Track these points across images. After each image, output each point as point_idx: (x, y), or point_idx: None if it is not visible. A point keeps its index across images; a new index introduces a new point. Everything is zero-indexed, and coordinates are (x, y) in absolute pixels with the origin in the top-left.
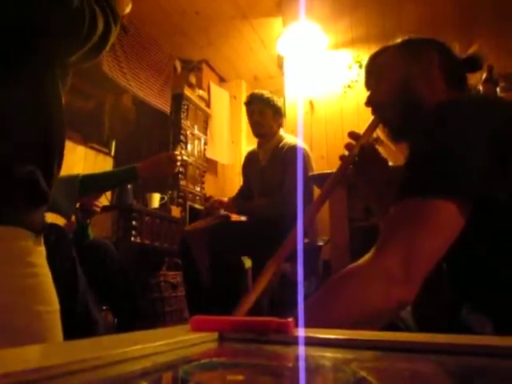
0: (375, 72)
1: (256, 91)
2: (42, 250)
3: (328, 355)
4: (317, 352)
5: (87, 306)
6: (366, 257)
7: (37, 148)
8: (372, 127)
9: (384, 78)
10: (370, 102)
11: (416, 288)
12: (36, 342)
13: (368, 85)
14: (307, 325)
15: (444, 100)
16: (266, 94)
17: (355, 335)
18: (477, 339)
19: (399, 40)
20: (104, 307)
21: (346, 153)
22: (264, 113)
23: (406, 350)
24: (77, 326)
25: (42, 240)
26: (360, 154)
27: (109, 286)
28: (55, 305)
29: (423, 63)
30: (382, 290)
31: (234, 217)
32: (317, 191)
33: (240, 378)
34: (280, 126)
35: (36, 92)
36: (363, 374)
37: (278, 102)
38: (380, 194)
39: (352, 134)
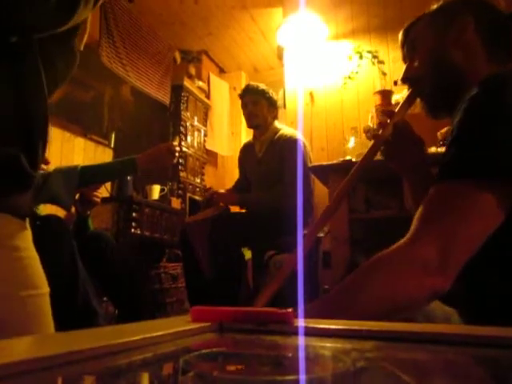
0: (409, 44)
1: (251, 83)
2: (28, 233)
3: (328, 345)
4: (316, 342)
5: (87, 297)
6: (399, 243)
7: (19, 134)
8: (407, 103)
9: (418, 51)
10: (405, 77)
11: (452, 277)
12: (19, 329)
13: (403, 59)
14: (331, 316)
15: (488, 73)
16: (262, 85)
17: (355, 325)
18: (476, 329)
19: (434, 6)
20: (104, 298)
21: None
22: (258, 104)
23: (406, 340)
24: (77, 317)
25: (28, 223)
26: (393, 133)
27: (109, 278)
28: (43, 288)
29: (456, 30)
30: (414, 278)
31: (234, 208)
32: (317, 183)
33: (240, 367)
34: (275, 118)
35: (13, 75)
36: (363, 363)
37: (274, 94)
38: (414, 177)
39: (386, 112)
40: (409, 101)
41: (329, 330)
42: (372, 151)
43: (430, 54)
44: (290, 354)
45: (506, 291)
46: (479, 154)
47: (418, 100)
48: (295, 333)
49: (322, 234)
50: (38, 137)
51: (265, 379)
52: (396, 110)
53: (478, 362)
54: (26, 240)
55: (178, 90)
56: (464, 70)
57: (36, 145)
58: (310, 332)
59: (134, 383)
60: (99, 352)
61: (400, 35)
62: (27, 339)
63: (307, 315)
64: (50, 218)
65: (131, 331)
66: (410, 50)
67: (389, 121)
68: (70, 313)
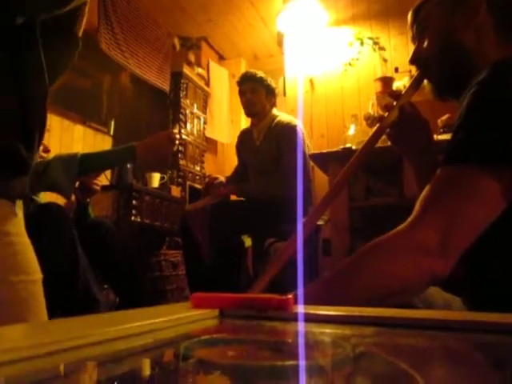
0: (418, 25)
1: (249, 70)
2: (20, 218)
3: (327, 331)
4: (316, 328)
5: (88, 284)
6: (400, 227)
7: (15, 121)
8: (415, 85)
9: (427, 31)
10: (413, 59)
11: (452, 262)
12: (11, 314)
13: (412, 40)
14: (328, 299)
15: (499, 57)
16: (260, 73)
17: (354, 311)
18: (476, 316)
19: None
20: (105, 286)
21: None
22: (257, 91)
23: (406, 326)
24: (78, 304)
25: (21, 208)
26: (400, 115)
27: (110, 265)
28: (35, 274)
29: (467, 10)
30: (414, 261)
31: (234, 196)
32: (317, 170)
33: (240, 353)
34: (273, 105)
35: (14, 62)
36: (362, 349)
37: (272, 82)
38: (419, 162)
39: (392, 93)
40: (416, 82)
41: (328, 316)
42: (377, 134)
43: (440, 34)
44: (290, 340)
45: (508, 277)
46: (486, 139)
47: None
48: (295, 319)
49: (321, 222)
50: (35, 124)
51: (265, 364)
52: (403, 91)
53: (478, 347)
54: (17, 225)
55: (177, 78)
56: (474, 52)
57: (33, 132)
58: (309, 318)
59: (134, 369)
60: (100, 338)
61: (409, 15)
62: (27, 325)
63: (304, 298)
64: (51, 205)
65: (132, 317)
66: (419, 31)
67: (395, 103)
68: (71, 300)
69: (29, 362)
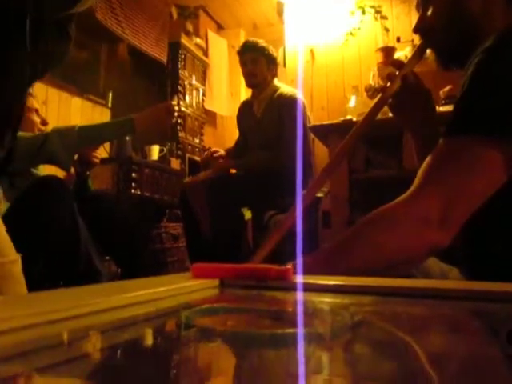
0: None
1: (250, 39)
2: None
3: (326, 300)
4: (315, 297)
5: (90, 256)
6: (400, 198)
7: None
8: (418, 54)
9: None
10: (418, 27)
11: (453, 233)
12: None
13: (417, 7)
14: (328, 270)
15: (506, 25)
16: (261, 42)
17: (353, 281)
18: (472, 285)
19: None
20: (107, 258)
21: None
22: (258, 62)
23: (404, 295)
24: (80, 276)
25: None
26: (402, 85)
27: (111, 237)
28: (10, 256)
29: None
30: (415, 232)
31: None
32: (317, 143)
33: (241, 321)
34: (274, 75)
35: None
36: (361, 317)
37: (273, 51)
38: (421, 133)
39: (395, 62)
40: (419, 52)
41: (327, 285)
42: (379, 105)
43: (446, 1)
44: (290, 309)
45: (506, 249)
46: (488, 110)
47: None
48: (294, 288)
49: (321, 194)
50: (11, 116)
51: (265, 332)
52: (406, 61)
53: (474, 315)
54: None
55: (175, 48)
56: (481, 19)
57: (6, 129)
58: (308, 288)
59: (137, 337)
60: (101, 307)
61: None
62: (29, 295)
63: (303, 270)
64: (50, 178)
65: (133, 287)
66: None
67: (397, 73)
68: (73, 272)
69: (30, 331)
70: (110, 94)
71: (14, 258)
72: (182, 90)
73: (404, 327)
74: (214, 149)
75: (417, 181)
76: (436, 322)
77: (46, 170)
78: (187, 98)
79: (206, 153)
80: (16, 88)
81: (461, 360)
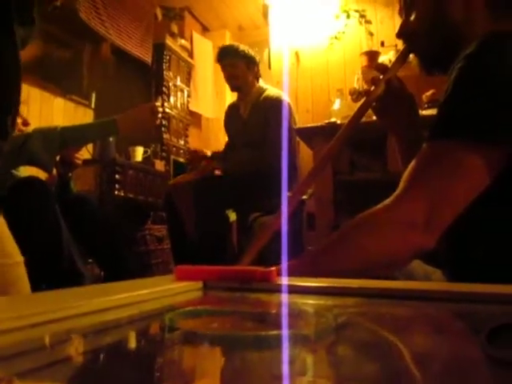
0: None
1: (225, 45)
2: None
3: (310, 302)
4: (299, 299)
5: (72, 259)
6: (385, 202)
7: None
8: (401, 58)
9: (415, 4)
10: (401, 32)
11: (437, 236)
12: None
13: (400, 12)
14: (313, 274)
15: (488, 31)
16: (236, 45)
17: (337, 283)
18: (455, 286)
19: None
20: (90, 260)
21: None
22: (236, 65)
23: (388, 296)
24: (62, 279)
25: None
26: (386, 89)
27: (94, 240)
28: (16, 257)
29: None
30: (400, 236)
31: (219, 171)
32: (302, 145)
33: (224, 324)
34: (257, 76)
35: None
36: (344, 318)
37: (250, 51)
38: (405, 137)
39: (379, 67)
40: (402, 56)
41: (311, 287)
42: (363, 108)
43: (428, 7)
44: (274, 311)
45: (487, 253)
46: (471, 115)
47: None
48: (278, 290)
49: (306, 196)
50: (9, 105)
51: (249, 334)
52: (390, 65)
53: (456, 316)
54: None
55: (159, 49)
56: (463, 26)
57: (6, 112)
58: (292, 289)
59: (120, 340)
60: (84, 310)
61: None
62: (13, 298)
63: (289, 273)
64: (32, 179)
65: (116, 289)
66: (406, 3)
67: (381, 77)
68: (56, 275)
69: (13, 334)
70: (94, 95)
71: (20, 260)
72: (166, 92)
73: (388, 328)
74: (198, 149)
75: (401, 185)
76: (419, 323)
77: (26, 171)
78: (172, 99)
79: (191, 153)
80: (12, 73)
81: (443, 360)
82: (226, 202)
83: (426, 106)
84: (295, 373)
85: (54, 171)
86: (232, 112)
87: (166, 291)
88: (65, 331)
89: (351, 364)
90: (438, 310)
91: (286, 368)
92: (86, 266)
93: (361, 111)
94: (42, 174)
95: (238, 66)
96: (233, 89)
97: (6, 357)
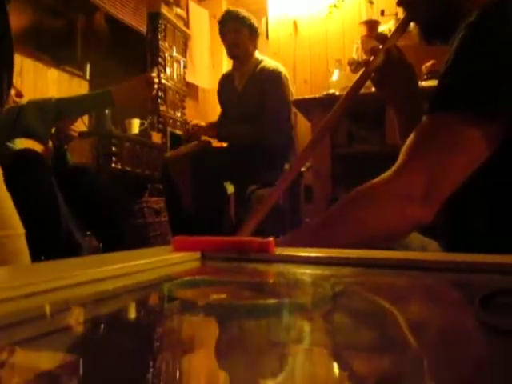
0: None
1: (231, 9)
2: None
3: (308, 272)
4: (297, 269)
5: (70, 231)
6: (384, 175)
7: None
8: (401, 28)
9: None
10: (401, 0)
11: (435, 209)
12: None
13: None
14: (311, 246)
15: (489, 1)
16: (242, 12)
17: (334, 253)
18: (452, 256)
19: None
20: (88, 233)
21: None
22: (240, 32)
23: (385, 266)
24: (60, 251)
25: None
26: (385, 59)
27: (92, 212)
28: (18, 228)
29: None
30: (398, 209)
31: (216, 143)
32: (300, 116)
33: (222, 293)
34: (256, 47)
35: None
36: (342, 287)
37: (255, 21)
38: (404, 109)
39: (378, 36)
40: (403, 25)
41: (309, 257)
42: (362, 79)
43: None
44: (271, 281)
45: (486, 225)
46: (472, 87)
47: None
48: (276, 261)
49: (303, 169)
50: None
51: (246, 303)
52: (389, 35)
53: (452, 285)
54: None
55: (154, 18)
56: None
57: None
58: (290, 260)
59: (117, 310)
60: (82, 279)
61: None
62: (10, 268)
63: (288, 245)
64: (27, 151)
65: (113, 260)
66: None
67: (381, 47)
68: (54, 247)
69: (10, 303)
70: (88, 66)
71: (22, 232)
72: (162, 62)
73: (384, 297)
74: (195, 121)
75: (400, 158)
76: (416, 292)
77: (22, 143)
78: (168, 70)
79: (187, 126)
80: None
81: (438, 327)
82: (224, 175)
83: (425, 77)
84: (292, 341)
85: (50, 143)
86: (226, 82)
87: (163, 261)
88: (63, 301)
89: (348, 332)
90: (435, 279)
91: (283, 336)
92: (84, 238)
93: (359, 82)
94: (37, 147)
95: (242, 32)
96: (231, 56)
97: (4, 326)
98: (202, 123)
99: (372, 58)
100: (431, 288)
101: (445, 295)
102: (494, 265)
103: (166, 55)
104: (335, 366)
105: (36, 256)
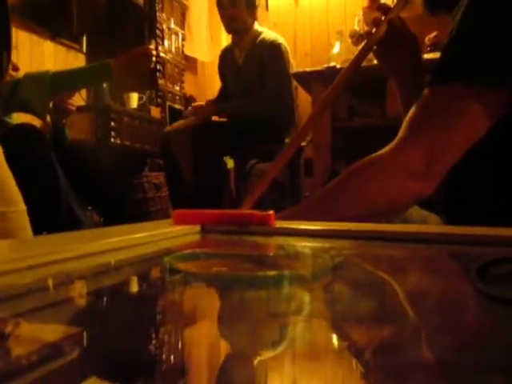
0: None
1: None
2: None
3: (308, 244)
4: (297, 242)
5: (71, 206)
6: (385, 148)
7: None
8: None
9: None
10: None
11: (436, 183)
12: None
13: None
14: (312, 219)
15: None
16: None
17: (334, 226)
18: (451, 229)
19: None
20: (89, 208)
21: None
22: (237, 4)
23: (384, 239)
24: (61, 226)
25: None
26: (388, 30)
27: (92, 187)
28: (20, 205)
29: None
30: (399, 182)
31: (216, 117)
32: (300, 90)
33: (222, 266)
34: (254, 19)
35: None
36: (341, 259)
37: None
38: (407, 81)
39: (381, 7)
40: None
41: (308, 230)
42: (364, 51)
43: None
44: (271, 253)
45: (480, 194)
46: (476, 57)
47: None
48: (276, 233)
49: (304, 143)
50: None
51: (246, 275)
52: (392, 5)
53: (449, 257)
54: None
55: None
56: None
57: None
58: (290, 232)
59: (118, 282)
60: (83, 252)
61: None
62: (11, 241)
63: (288, 218)
64: (25, 126)
65: (114, 233)
66: None
67: (383, 18)
68: (55, 223)
69: (11, 275)
70: (84, 38)
71: (23, 208)
72: (160, 35)
73: (383, 268)
74: (197, 103)
75: (402, 131)
76: (414, 264)
77: (20, 118)
78: (166, 43)
79: (189, 108)
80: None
81: (436, 296)
82: (224, 149)
83: (428, 49)
84: (292, 311)
85: (48, 118)
86: (226, 56)
87: (163, 234)
88: (63, 273)
89: (347, 302)
90: (434, 251)
91: (283, 307)
92: (84, 213)
93: (362, 54)
94: (35, 122)
95: (239, 5)
96: (229, 31)
97: (7, 297)
98: (202, 103)
99: (374, 30)
100: (430, 259)
101: (443, 266)
102: (493, 237)
103: (164, 27)
104: (334, 335)
105: (37, 232)
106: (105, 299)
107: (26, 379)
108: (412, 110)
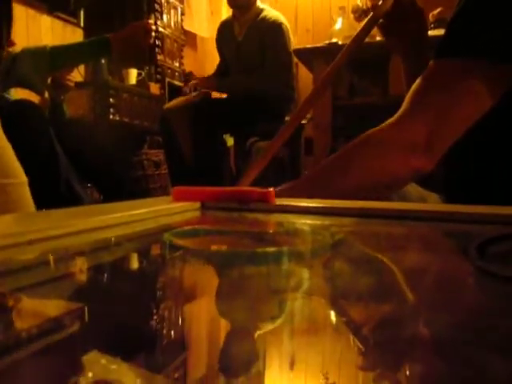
0: None
1: None
2: None
3: (307, 221)
4: (297, 219)
5: (70, 183)
6: (387, 122)
7: None
8: None
9: None
10: None
11: (437, 159)
12: (2, 213)
13: None
14: (311, 194)
15: None
16: None
17: (334, 203)
18: (449, 207)
19: None
20: (89, 185)
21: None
22: None
23: (384, 216)
24: (61, 203)
25: None
26: (395, 3)
27: (91, 164)
28: (21, 177)
29: None
30: (400, 157)
31: (216, 94)
32: (301, 67)
33: (222, 242)
34: None
35: None
36: (341, 236)
37: None
38: (411, 56)
39: None
40: None
41: (308, 207)
42: (369, 25)
43: None
44: (271, 230)
45: (484, 173)
46: (480, 32)
47: None
48: (276, 210)
49: (304, 121)
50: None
51: (246, 251)
52: None
53: (448, 235)
54: None
55: None
56: None
57: None
58: (290, 210)
59: (118, 257)
60: (82, 227)
61: None
62: (10, 216)
63: (288, 193)
64: (23, 101)
65: (113, 209)
66: None
67: None
68: (54, 199)
69: (10, 250)
70: (82, 12)
71: (24, 180)
72: (159, 9)
73: (382, 246)
74: (194, 81)
75: (405, 104)
76: (413, 241)
77: (18, 94)
78: (165, 17)
79: (190, 83)
80: None
81: (435, 273)
82: (223, 127)
83: (432, 25)
84: (291, 287)
85: (46, 94)
86: (225, 30)
87: (163, 211)
88: (62, 248)
89: (346, 279)
90: (433, 229)
91: (282, 283)
92: (84, 190)
93: (365, 29)
94: (34, 98)
95: None
96: (232, 5)
97: (6, 272)
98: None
99: (380, 2)
100: (429, 237)
101: (442, 244)
102: (492, 215)
103: (163, 1)
104: (333, 311)
105: (37, 208)
106: (105, 275)
107: (27, 352)
108: (415, 84)
